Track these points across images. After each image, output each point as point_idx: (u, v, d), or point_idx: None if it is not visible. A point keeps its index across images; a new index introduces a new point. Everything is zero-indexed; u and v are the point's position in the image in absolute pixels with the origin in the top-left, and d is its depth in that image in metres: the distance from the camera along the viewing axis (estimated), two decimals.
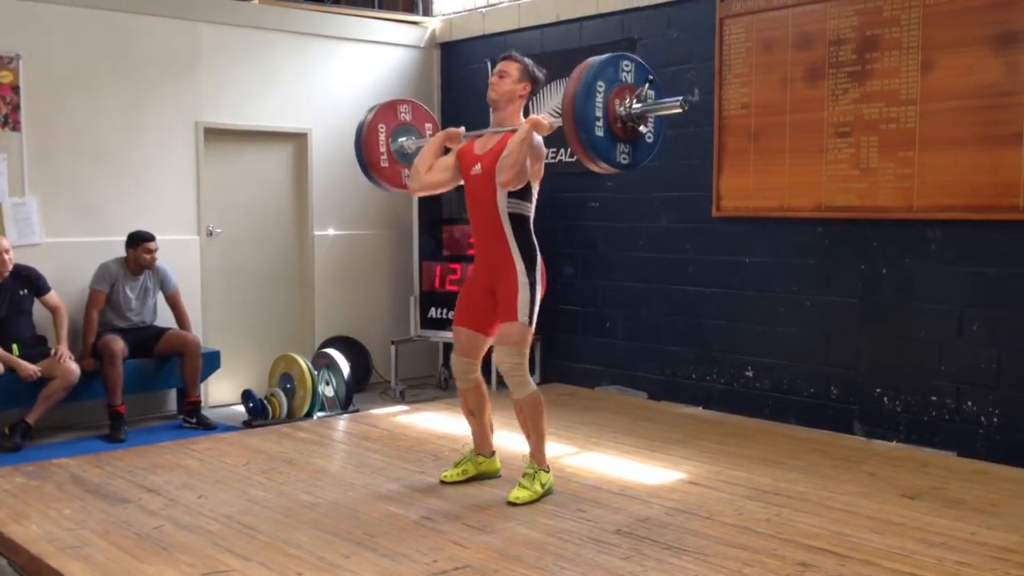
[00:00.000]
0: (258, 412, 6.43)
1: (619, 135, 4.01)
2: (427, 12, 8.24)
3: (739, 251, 6.20)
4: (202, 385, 6.60)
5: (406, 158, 4.91)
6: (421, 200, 7.30)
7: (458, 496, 4.35)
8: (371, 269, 7.89)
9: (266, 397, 6.53)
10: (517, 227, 4.24)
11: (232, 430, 6.08)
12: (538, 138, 4.20)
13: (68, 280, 6.33)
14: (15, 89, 6.17)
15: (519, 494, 4.22)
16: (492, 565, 3.50)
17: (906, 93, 5.37)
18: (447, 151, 4.51)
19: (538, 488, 4.26)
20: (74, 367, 5.94)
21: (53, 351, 5.98)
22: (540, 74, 4.38)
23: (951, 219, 5.24)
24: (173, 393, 6.76)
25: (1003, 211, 5.04)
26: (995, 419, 5.13)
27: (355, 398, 6.89)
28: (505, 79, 4.32)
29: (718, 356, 6.34)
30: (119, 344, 6.11)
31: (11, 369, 5.77)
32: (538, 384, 7.18)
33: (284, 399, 6.49)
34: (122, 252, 6.36)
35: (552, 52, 7.20)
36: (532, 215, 4.30)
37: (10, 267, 5.95)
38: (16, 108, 6.17)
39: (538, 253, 4.31)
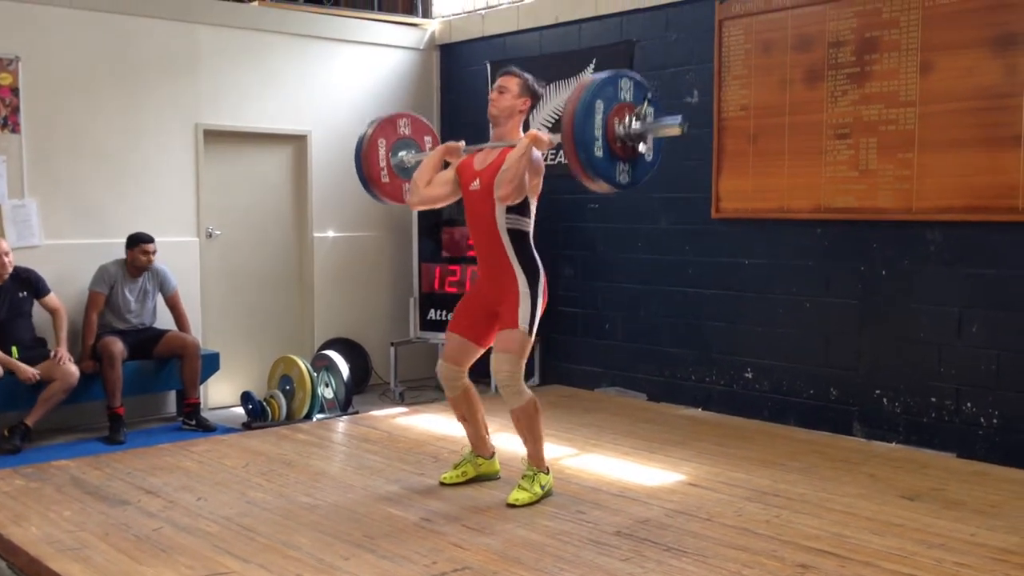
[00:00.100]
0: (257, 414, 6.43)
1: (618, 154, 3.98)
2: (426, 14, 8.25)
3: (738, 252, 6.20)
4: (201, 387, 6.60)
5: (406, 172, 4.85)
6: None
7: (457, 498, 4.34)
8: (370, 271, 7.89)
9: (265, 399, 6.53)
10: (516, 242, 4.23)
11: (231, 432, 6.08)
12: (537, 153, 4.18)
13: (67, 282, 6.33)
14: (14, 91, 6.17)
15: (518, 496, 4.22)
16: (492, 567, 3.50)
17: (905, 95, 5.38)
18: (447, 165, 4.48)
19: (537, 490, 4.26)
20: (73, 369, 5.94)
21: (53, 353, 5.98)
22: (540, 89, 4.38)
23: (950, 220, 5.25)
24: (172, 395, 6.75)
25: (1002, 212, 5.04)
26: (995, 420, 5.14)
27: (354, 400, 6.89)
28: (505, 95, 4.30)
29: (717, 358, 6.34)
30: (118, 346, 6.11)
31: (10, 372, 5.77)
32: (537, 385, 7.28)
33: (283, 401, 6.49)
34: (121, 254, 6.37)
35: (551, 54, 7.21)
36: (531, 230, 4.28)
37: (10, 269, 5.95)
38: (15, 110, 6.17)
39: (540, 267, 4.29)
